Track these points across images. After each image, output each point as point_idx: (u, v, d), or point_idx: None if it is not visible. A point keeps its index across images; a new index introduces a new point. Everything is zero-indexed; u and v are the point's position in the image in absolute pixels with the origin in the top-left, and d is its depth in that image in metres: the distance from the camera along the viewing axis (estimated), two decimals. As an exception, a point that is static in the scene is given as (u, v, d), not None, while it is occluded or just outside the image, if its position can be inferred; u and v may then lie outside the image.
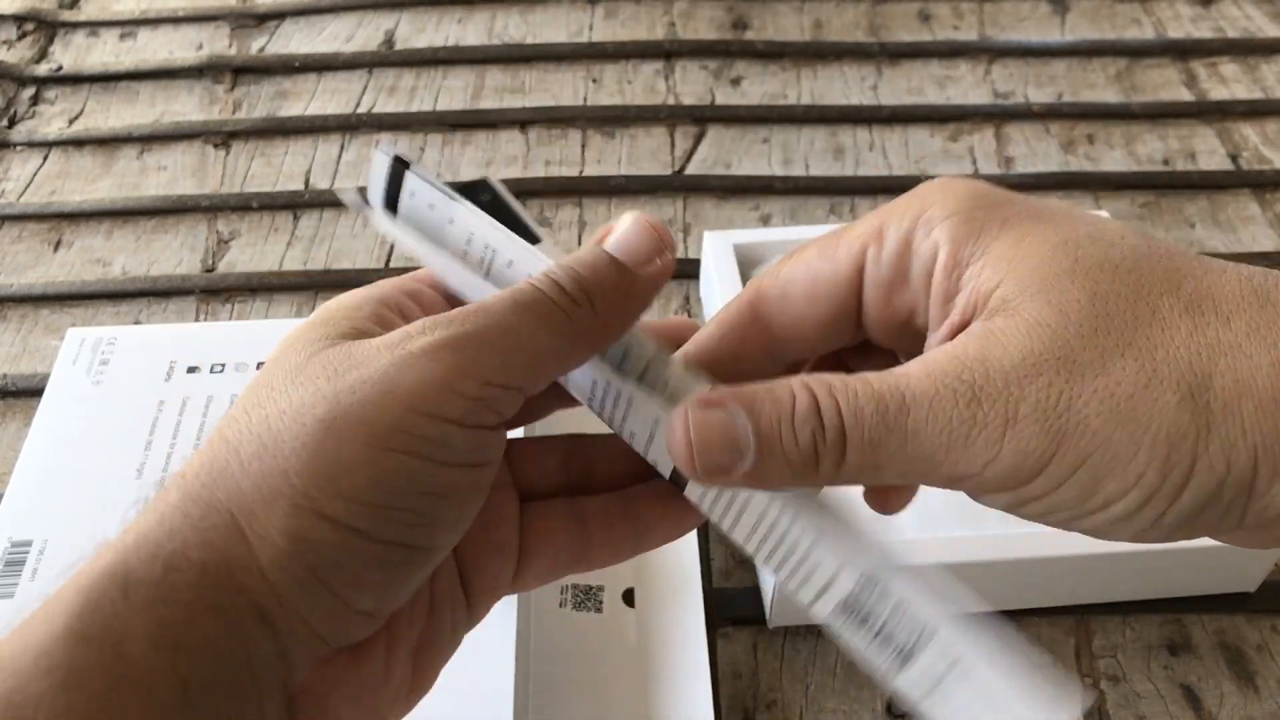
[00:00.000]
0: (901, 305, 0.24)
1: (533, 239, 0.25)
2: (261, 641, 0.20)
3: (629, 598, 0.41)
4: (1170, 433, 0.20)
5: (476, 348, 0.21)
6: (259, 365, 0.44)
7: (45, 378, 0.45)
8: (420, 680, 0.24)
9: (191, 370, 0.45)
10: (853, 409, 0.21)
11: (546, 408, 0.27)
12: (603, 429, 0.26)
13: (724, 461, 0.22)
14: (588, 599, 0.41)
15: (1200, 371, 0.20)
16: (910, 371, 0.22)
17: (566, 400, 0.26)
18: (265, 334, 0.47)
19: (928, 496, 0.43)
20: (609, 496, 0.27)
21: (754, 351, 0.25)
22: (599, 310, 0.23)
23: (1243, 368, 0.20)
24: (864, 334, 0.25)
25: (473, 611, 0.26)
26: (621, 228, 0.24)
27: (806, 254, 0.25)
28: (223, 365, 0.45)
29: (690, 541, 0.42)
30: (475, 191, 0.26)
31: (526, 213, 0.26)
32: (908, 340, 0.25)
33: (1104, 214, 0.23)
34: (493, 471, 0.23)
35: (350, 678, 0.22)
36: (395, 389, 0.21)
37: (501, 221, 0.25)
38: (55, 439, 0.43)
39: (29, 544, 0.39)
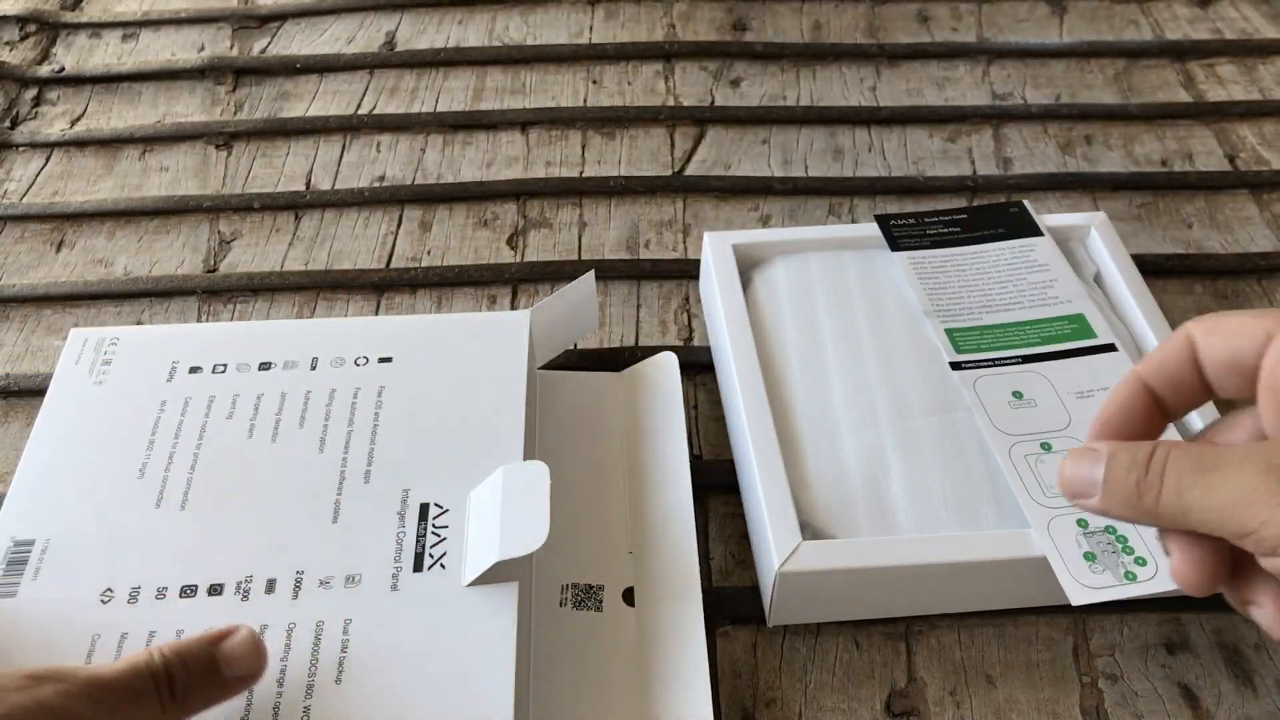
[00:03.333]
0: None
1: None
2: None
3: (629, 597, 0.41)
4: None
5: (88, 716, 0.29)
6: (261, 365, 0.45)
7: (48, 378, 0.45)
8: None
9: (194, 370, 0.44)
10: (1177, 461, 0.28)
11: None
12: None
13: (1082, 490, 0.31)
14: (588, 598, 0.41)
15: None
16: (1233, 446, 0.28)
17: None
18: (266, 334, 0.46)
19: (929, 496, 0.43)
20: None
21: (1184, 367, 0.32)
22: (186, 709, 0.31)
23: None
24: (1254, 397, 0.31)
25: None
26: (237, 639, 0.32)
27: (1240, 312, 0.31)
28: (225, 365, 0.45)
29: (689, 539, 0.42)
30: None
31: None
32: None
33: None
34: None
35: None
36: (68, 713, 0.28)
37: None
38: (58, 438, 0.42)
39: (31, 543, 0.39)
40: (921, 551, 0.40)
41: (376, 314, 0.55)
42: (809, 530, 0.41)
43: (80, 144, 0.65)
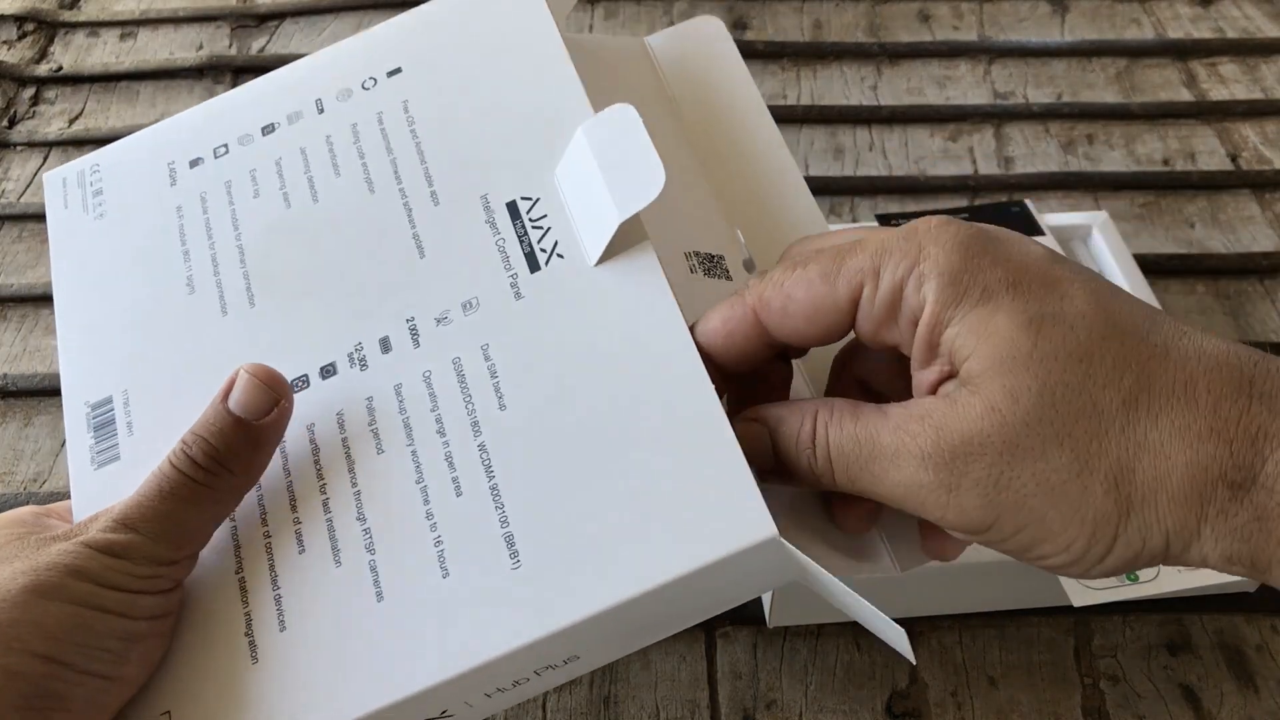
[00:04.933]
0: (890, 339, 0.27)
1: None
2: None
3: (749, 266, 0.37)
4: (1095, 515, 0.24)
5: (143, 542, 0.28)
6: (264, 130, 0.38)
7: (46, 378, 0.45)
8: None
9: (195, 164, 0.39)
10: (838, 445, 0.27)
11: None
12: None
13: (760, 465, 0.28)
14: (714, 266, 0.36)
15: (1125, 466, 0.24)
16: (888, 418, 0.26)
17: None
18: (252, 96, 0.40)
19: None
20: None
21: (755, 347, 0.29)
22: (236, 471, 0.29)
23: (1161, 466, 0.24)
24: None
25: None
26: (239, 386, 0.30)
27: (809, 274, 0.28)
28: (225, 146, 0.39)
29: (807, 200, 0.37)
30: None
31: None
32: (896, 356, 0.28)
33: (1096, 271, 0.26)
34: (173, 620, 0.29)
35: None
36: (84, 572, 0.27)
37: None
38: (83, 291, 0.37)
39: (108, 400, 0.35)
40: (923, 552, 0.39)
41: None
42: (810, 531, 0.41)
43: (78, 143, 0.65)
